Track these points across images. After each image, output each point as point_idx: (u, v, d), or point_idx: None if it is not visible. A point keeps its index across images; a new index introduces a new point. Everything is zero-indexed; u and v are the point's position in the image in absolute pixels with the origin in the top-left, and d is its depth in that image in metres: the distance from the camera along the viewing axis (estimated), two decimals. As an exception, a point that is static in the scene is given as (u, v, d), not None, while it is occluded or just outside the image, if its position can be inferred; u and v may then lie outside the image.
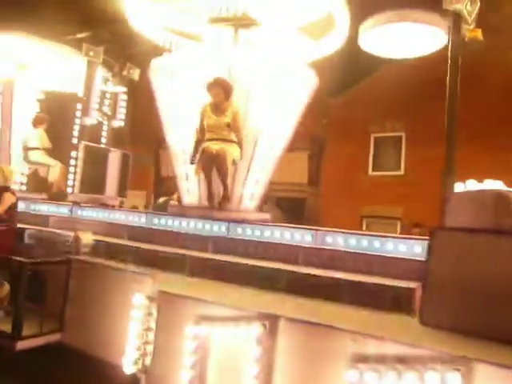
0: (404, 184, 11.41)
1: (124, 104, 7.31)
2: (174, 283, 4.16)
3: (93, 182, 6.66)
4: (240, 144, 5.24)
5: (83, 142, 6.63)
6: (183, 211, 5.51)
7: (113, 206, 7.04)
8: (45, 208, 7.13)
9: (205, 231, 5.22)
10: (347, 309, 3.48)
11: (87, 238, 4.98)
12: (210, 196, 5.16)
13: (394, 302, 3.52)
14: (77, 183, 6.61)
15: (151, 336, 3.63)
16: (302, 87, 5.95)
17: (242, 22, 5.80)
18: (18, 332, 4.52)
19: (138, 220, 6.04)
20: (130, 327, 4.01)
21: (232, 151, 5.15)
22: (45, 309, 4.75)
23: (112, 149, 6.99)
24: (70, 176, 6.83)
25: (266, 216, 5.50)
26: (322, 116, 11.73)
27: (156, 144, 11.69)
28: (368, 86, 11.56)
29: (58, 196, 7.87)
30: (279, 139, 5.88)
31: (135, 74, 7.45)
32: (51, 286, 5.08)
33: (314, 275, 3.84)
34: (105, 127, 7.39)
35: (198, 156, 5.10)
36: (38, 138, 7.95)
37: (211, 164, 5.05)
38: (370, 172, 12.51)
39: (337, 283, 3.73)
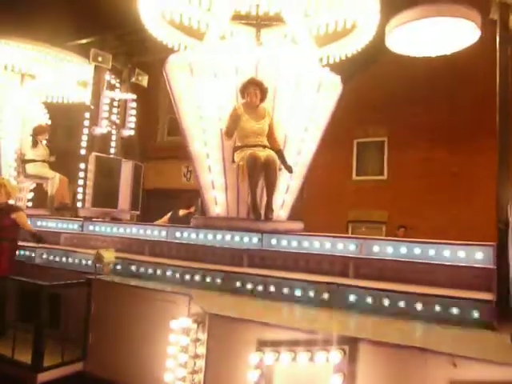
0: (387, 188, 11.68)
1: (134, 112, 6.91)
2: (217, 303, 3.78)
3: (105, 195, 6.23)
4: (279, 151, 4.90)
5: (93, 153, 6.21)
6: (211, 223, 5.11)
7: (127, 220, 6.63)
8: (53, 224, 6.69)
9: (237, 243, 4.84)
10: (418, 325, 3.14)
11: (110, 256, 4.55)
12: (255, 206, 4.76)
13: (468, 315, 3.19)
14: (88, 197, 6.17)
15: (200, 363, 3.23)
16: (329, 91, 5.66)
17: (264, 21, 5.49)
18: (39, 363, 4.08)
19: (158, 234, 5.64)
20: (170, 354, 3.62)
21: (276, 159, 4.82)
22: (62, 334, 4.33)
23: (123, 159, 6.57)
24: (79, 189, 6.39)
25: (300, 225, 5.13)
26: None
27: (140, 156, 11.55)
28: (349, 92, 11.55)
29: (61, 210, 7.43)
30: (307, 144, 5.54)
31: (144, 80, 7.08)
32: (68, 310, 4.67)
33: (378, 289, 3.48)
34: (113, 137, 6.98)
35: (238, 162, 4.73)
36: (38, 149, 7.52)
37: (260, 172, 4.68)
38: (354, 177, 12.68)
39: (403, 297, 3.38)
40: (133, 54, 7.17)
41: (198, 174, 5.07)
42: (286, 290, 3.90)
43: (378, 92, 11.24)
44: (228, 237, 5.00)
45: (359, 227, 12.11)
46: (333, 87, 5.72)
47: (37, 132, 7.59)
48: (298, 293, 3.84)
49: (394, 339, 2.65)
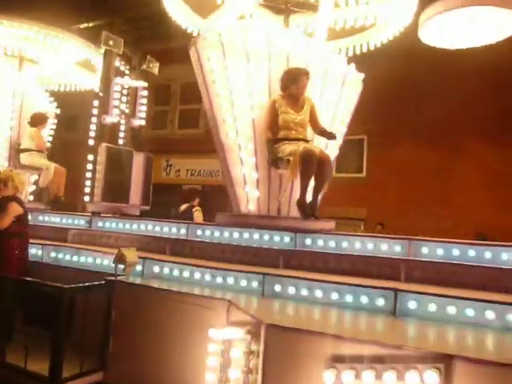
0: (366, 186, 11.74)
1: (145, 101, 6.47)
2: (262, 309, 3.43)
3: (116, 189, 5.78)
4: (323, 130, 4.62)
5: (104, 144, 5.77)
6: (241, 221, 4.73)
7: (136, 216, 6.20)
8: (57, 219, 6.23)
9: (271, 243, 4.49)
10: (501, 336, 2.84)
11: (133, 256, 4.15)
12: (305, 205, 4.41)
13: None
14: (97, 190, 5.72)
15: (254, 379, 2.87)
16: (352, 86, 5.36)
17: (294, 7, 5.14)
18: (58, 375, 3.67)
19: (177, 231, 5.25)
20: (209, 366, 3.26)
21: None
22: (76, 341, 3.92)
23: (135, 151, 6.13)
24: (87, 182, 5.94)
25: (331, 224, 4.81)
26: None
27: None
28: None
29: (55, 203, 6.98)
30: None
31: (155, 68, 6.63)
32: (82, 314, 4.26)
33: (442, 295, 3.18)
34: (122, 127, 6.53)
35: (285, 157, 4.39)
36: (35, 138, 7.04)
37: (315, 168, 4.34)
38: (334, 174, 12.82)
39: (472, 304, 3.09)
40: (143, 41, 6.73)
41: (229, 167, 4.65)
42: (334, 296, 3.57)
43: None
44: (258, 235, 4.66)
45: (338, 224, 12.18)
46: (355, 83, 5.43)
47: (34, 120, 7.12)
48: (349, 298, 3.52)
49: (490, 355, 2.35)
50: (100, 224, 5.76)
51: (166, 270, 4.35)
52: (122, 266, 4.13)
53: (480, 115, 9.68)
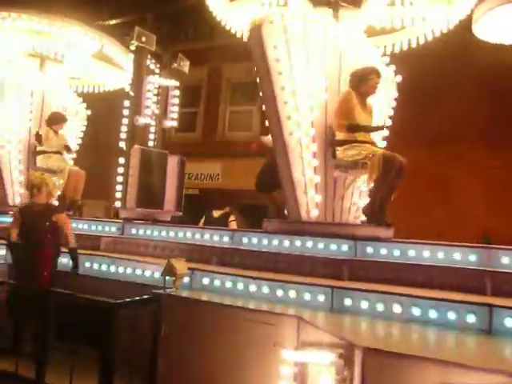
0: None
1: (176, 101, 6.12)
2: (340, 328, 3.08)
3: (150, 194, 5.43)
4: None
5: (137, 146, 5.42)
6: (300, 228, 4.37)
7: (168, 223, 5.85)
8: (85, 226, 5.88)
9: (326, 252, 4.14)
10: None
11: (183, 268, 3.79)
12: (376, 211, 4.08)
13: None
14: (130, 196, 5.37)
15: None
16: (391, 86, 5.04)
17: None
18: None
19: (219, 239, 4.90)
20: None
21: None
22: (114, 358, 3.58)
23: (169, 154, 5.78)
24: (118, 187, 5.59)
25: (390, 231, 4.45)
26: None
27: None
28: None
29: (72, 208, 6.62)
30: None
31: (185, 66, 6.30)
32: (121, 328, 3.91)
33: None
34: (152, 128, 6.18)
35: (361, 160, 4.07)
36: (51, 139, 6.67)
37: (394, 173, 4.02)
38: None
39: None
40: (175, 38, 6.42)
41: (290, 168, 4.26)
42: (416, 311, 3.22)
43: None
44: (311, 244, 4.31)
45: None
46: (393, 83, 5.07)
47: (48, 120, 6.74)
48: (432, 314, 3.17)
49: None
50: (133, 231, 5.41)
51: (217, 282, 3.99)
52: (170, 279, 3.78)
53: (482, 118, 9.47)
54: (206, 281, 4.04)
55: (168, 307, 3.69)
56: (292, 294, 3.66)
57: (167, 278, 3.78)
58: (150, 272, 4.37)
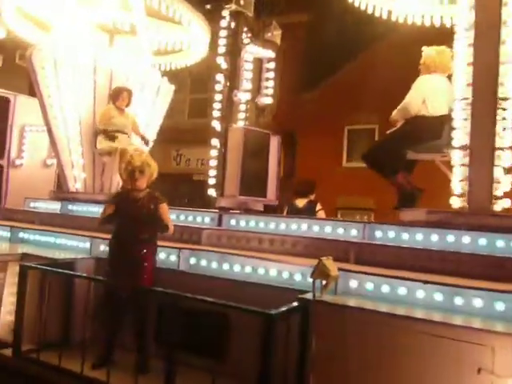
0: (377, 175, 10.72)
1: (272, 74, 5.41)
2: None
3: (254, 181, 4.76)
4: None
5: (237, 125, 4.74)
6: (452, 219, 3.66)
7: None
8: (173, 217, 5.24)
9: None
10: None
11: (334, 268, 3.12)
12: None
13: None
14: (228, 182, 4.71)
15: None
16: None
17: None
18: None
19: (344, 232, 4.21)
20: None
21: None
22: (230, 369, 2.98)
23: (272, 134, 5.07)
24: (211, 172, 4.95)
25: None
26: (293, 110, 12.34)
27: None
28: (341, 79, 12.31)
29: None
30: None
31: (277, 37, 5.57)
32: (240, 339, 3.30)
33: None
34: (242, 106, 5.47)
35: None
36: (115, 117, 5.96)
37: None
38: (344, 163, 13.08)
39: None
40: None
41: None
42: None
43: (370, 79, 11.01)
44: (469, 239, 3.59)
45: (348, 214, 11.93)
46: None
47: (110, 97, 6.03)
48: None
49: None
50: (233, 222, 4.75)
51: (370, 286, 3.31)
52: (321, 282, 3.11)
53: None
54: (353, 283, 3.36)
55: (319, 316, 3.04)
56: (478, 303, 2.95)
57: (316, 280, 3.11)
58: (275, 271, 3.71)
